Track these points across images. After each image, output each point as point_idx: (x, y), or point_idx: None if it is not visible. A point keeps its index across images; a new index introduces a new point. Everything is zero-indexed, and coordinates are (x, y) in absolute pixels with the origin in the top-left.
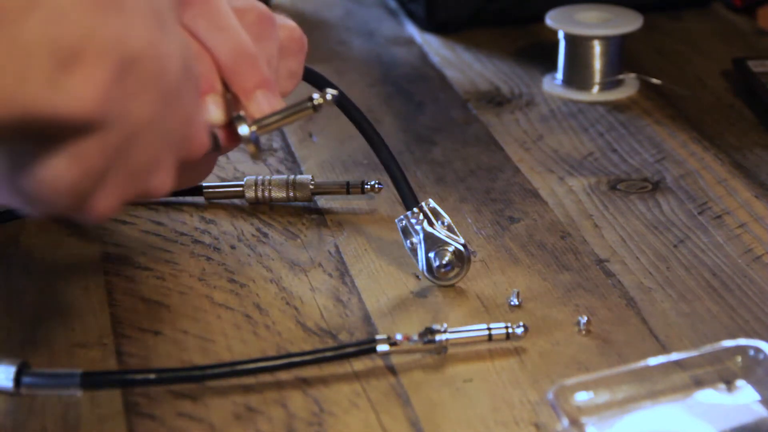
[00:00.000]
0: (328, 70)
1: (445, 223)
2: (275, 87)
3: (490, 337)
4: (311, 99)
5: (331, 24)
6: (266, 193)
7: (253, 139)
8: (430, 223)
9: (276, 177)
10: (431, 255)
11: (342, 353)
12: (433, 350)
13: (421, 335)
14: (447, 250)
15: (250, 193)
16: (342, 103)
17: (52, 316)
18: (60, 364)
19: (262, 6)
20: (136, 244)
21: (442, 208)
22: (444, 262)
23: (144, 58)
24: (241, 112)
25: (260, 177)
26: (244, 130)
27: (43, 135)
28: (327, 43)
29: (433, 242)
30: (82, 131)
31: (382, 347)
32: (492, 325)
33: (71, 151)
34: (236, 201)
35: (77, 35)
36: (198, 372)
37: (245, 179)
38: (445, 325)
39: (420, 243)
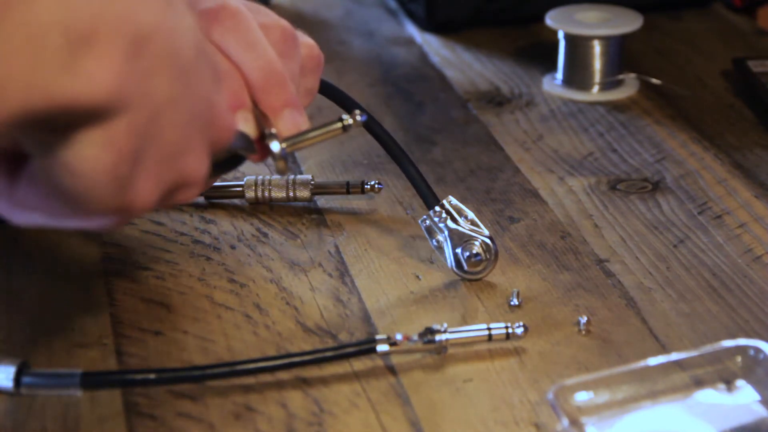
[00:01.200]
0: (328, 70)
1: (469, 218)
2: (301, 105)
3: (490, 337)
4: (341, 119)
5: (331, 24)
6: (266, 193)
7: (283, 155)
8: (454, 220)
9: (276, 177)
10: (459, 250)
11: (342, 353)
12: (433, 350)
13: (421, 335)
14: (474, 243)
15: (250, 193)
16: (368, 123)
17: (52, 316)
18: (60, 364)
19: (286, 23)
20: (136, 244)
21: None
22: (473, 252)
23: (156, 35)
24: (273, 129)
25: (260, 177)
26: (275, 146)
27: (67, 123)
28: (327, 43)
29: (459, 237)
30: (105, 114)
31: (382, 347)
32: (492, 325)
33: (99, 136)
34: (236, 201)
35: (87, 16)
36: (198, 372)
37: (245, 179)
38: (445, 325)
39: (446, 240)
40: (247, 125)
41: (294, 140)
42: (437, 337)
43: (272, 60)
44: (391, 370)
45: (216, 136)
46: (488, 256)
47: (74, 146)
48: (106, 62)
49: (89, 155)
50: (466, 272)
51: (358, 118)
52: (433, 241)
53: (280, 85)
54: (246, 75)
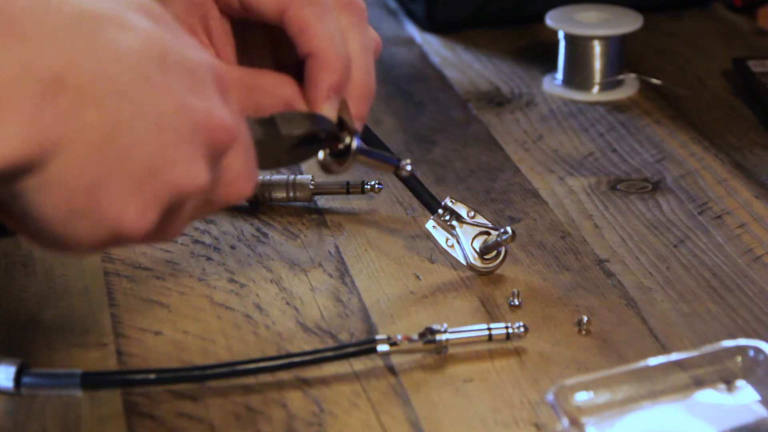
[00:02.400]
0: None
1: (471, 215)
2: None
3: (490, 337)
4: (399, 160)
5: None
6: (266, 193)
7: (357, 149)
8: (459, 218)
9: (276, 177)
10: (476, 244)
11: (342, 353)
12: (433, 350)
13: (421, 335)
14: (488, 234)
15: None
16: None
17: (52, 316)
18: (60, 364)
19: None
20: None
21: None
22: (490, 244)
23: (73, 72)
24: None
25: (260, 177)
26: (356, 142)
27: (1, 180)
28: None
29: (471, 232)
30: (33, 164)
31: (382, 347)
32: (492, 325)
33: (39, 182)
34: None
35: None
36: (198, 372)
37: None
38: (445, 325)
39: (459, 237)
40: (332, 112)
41: (358, 153)
42: (437, 337)
43: (371, 68)
44: (392, 370)
45: (210, 139)
46: (501, 247)
47: (21, 195)
48: (14, 118)
49: (36, 201)
50: (482, 265)
51: (408, 168)
52: (444, 241)
53: (371, 94)
54: (354, 73)
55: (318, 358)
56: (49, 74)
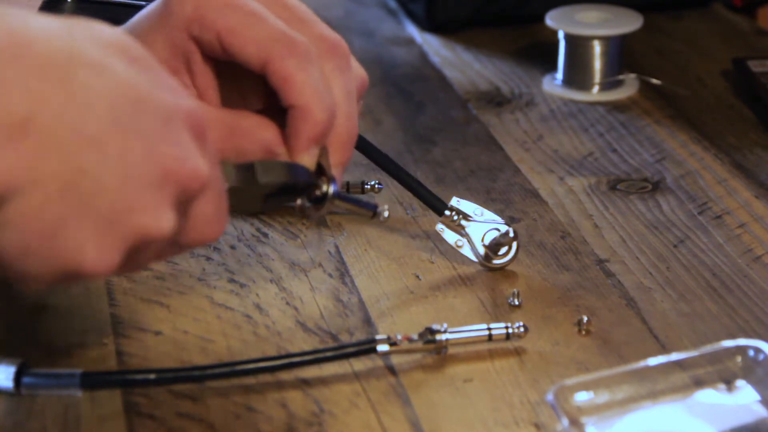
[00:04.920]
0: None
1: (479, 212)
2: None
3: (490, 337)
4: (376, 207)
5: (331, 24)
6: None
7: (333, 195)
8: (467, 217)
9: None
10: (487, 240)
11: (342, 353)
12: (433, 350)
13: (421, 335)
14: (498, 230)
15: None
16: (361, 143)
17: (52, 316)
18: (60, 364)
19: (363, 72)
20: None
21: None
22: (502, 241)
23: (40, 116)
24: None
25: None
26: (333, 187)
27: None
28: None
29: (481, 230)
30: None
31: (382, 347)
32: (492, 325)
33: (7, 220)
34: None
35: None
36: (198, 372)
37: None
38: (445, 325)
39: (469, 236)
40: (312, 160)
41: (340, 197)
42: (437, 337)
43: (354, 113)
44: (391, 370)
45: (179, 186)
46: (511, 241)
47: None
48: None
49: (5, 239)
50: (493, 260)
51: (385, 214)
52: (454, 242)
53: (353, 139)
54: (338, 120)
55: (318, 358)
56: (12, 119)
